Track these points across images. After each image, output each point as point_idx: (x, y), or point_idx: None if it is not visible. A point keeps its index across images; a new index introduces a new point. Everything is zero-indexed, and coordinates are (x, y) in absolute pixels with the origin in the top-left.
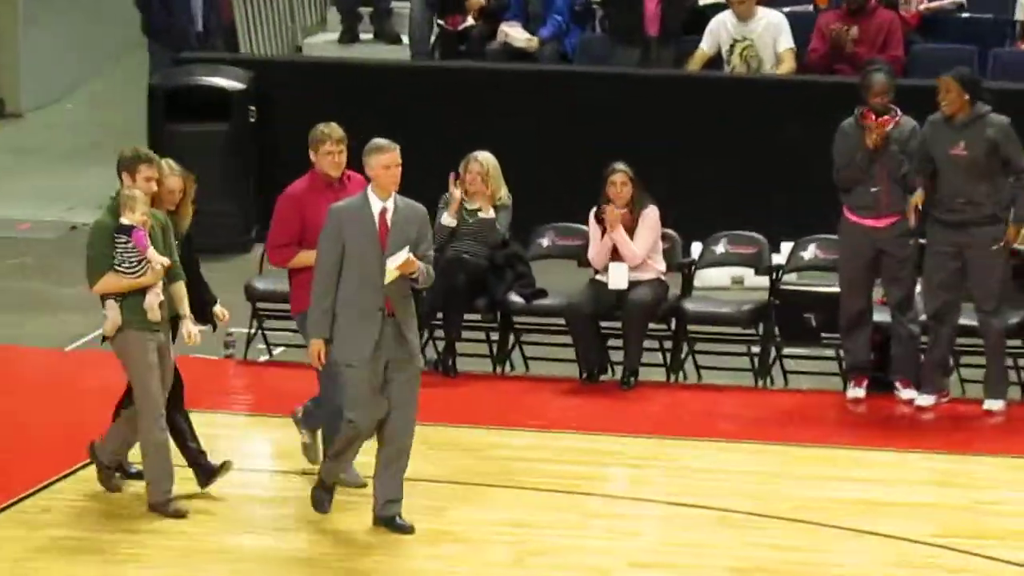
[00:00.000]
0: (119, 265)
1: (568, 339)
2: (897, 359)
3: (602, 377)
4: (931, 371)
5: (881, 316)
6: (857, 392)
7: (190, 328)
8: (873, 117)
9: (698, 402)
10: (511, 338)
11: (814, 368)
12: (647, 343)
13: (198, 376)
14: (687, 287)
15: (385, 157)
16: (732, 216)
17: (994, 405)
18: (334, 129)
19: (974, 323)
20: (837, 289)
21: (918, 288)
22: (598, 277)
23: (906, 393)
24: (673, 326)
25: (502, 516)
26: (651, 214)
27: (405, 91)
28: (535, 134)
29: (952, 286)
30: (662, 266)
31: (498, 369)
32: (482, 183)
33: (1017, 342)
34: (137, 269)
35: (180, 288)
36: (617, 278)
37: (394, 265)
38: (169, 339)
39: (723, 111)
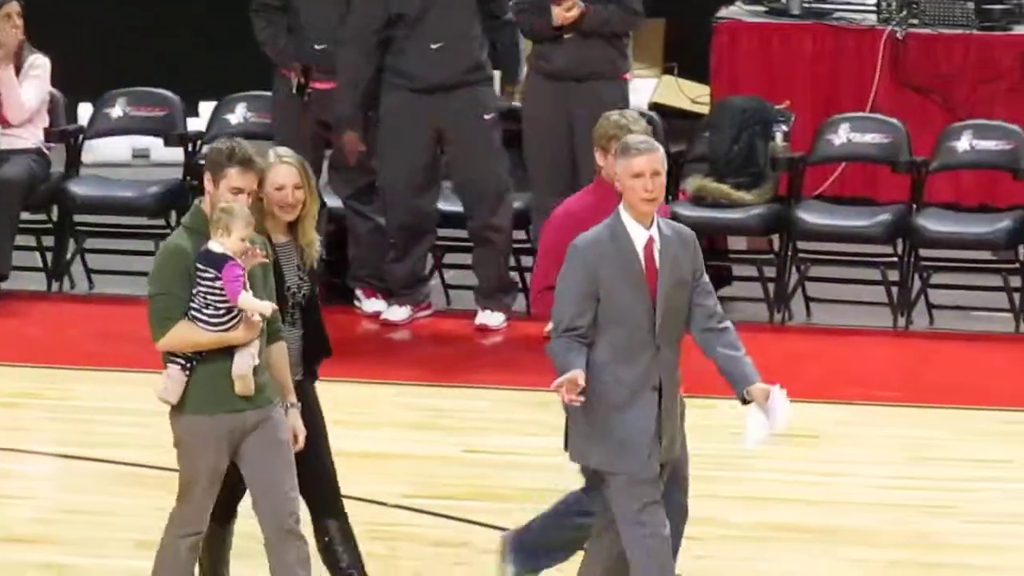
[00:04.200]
0: (199, 311)
1: None
2: (358, 260)
3: None
4: (405, 275)
5: (333, 202)
6: None
7: (298, 425)
8: None
9: (88, 319)
10: None
11: None
12: (22, 239)
13: None
14: (74, 164)
15: (638, 162)
16: (133, 68)
17: (491, 319)
18: (638, 119)
19: (459, 209)
20: None
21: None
22: None
23: (371, 304)
24: (56, 216)
25: None
26: (42, 62)
27: None
28: None
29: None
30: (42, 135)
31: None
32: None
33: (522, 235)
34: (225, 319)
35: (282, 353)
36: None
37: (783, 420)
38: (273, 418)
39: None
